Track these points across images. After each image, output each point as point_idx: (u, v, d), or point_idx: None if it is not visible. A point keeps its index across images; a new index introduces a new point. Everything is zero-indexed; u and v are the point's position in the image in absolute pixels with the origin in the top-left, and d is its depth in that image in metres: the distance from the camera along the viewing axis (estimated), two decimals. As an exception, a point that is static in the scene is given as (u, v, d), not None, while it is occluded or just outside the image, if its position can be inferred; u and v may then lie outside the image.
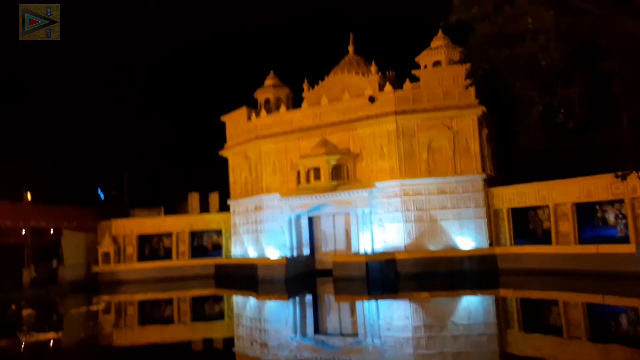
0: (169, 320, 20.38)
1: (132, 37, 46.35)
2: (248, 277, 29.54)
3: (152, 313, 22.91)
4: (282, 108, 32.18)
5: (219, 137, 36.05)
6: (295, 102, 34.25)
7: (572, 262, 22.88)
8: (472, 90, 25.49)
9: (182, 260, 34.31)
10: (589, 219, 24.73)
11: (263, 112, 32.79)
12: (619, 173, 19.78)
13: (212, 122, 36.40)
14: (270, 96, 34.13)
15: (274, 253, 29.88)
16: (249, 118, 33.47)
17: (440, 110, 27.49)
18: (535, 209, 26.82)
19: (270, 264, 28.67)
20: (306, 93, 33.06)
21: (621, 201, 22.89)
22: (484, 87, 27.32)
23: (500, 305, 19.68)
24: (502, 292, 22.17)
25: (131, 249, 34.98)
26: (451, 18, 16.68)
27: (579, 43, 16.61)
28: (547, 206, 25.43)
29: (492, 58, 16.48)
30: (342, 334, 15.69)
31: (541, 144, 35.05)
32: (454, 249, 26.23)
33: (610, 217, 24.34)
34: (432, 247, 26.54)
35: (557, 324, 16.42)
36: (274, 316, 19.74)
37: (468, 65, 18.43)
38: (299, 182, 30.18)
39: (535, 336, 14.60)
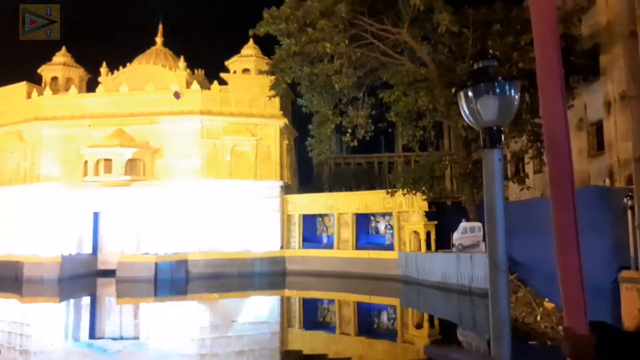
0: None
1: None
2: (11, 278, 25.35)
3: None
4: (73, 90, 28.81)
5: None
6: (90, 87, 31.01)
7: (349, 265, 25.70)
8: (276, 101, 26.80)
9: None
10: (365, 227, 28.25)
11: (48, 91, 28.85)
12: (389, 190, 23.26)
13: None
14: (60, 75, 30.26)
15: (48, 250, 26.27)
16: (30, 96, 29.04)
17: (246, 117, 28.16)
18: (322, 216, 29.41)
19: (40, 262, 25.14)
20: (104, 77, 30.25)
21: (390, 214, 26.70)
22: (287, 100, 29.11)
23: (285, 305, 20.96)
24: (288, 292, 23.63)
25: None
26: (259, 29, 17.53)
27: (368, 73, 19.12)
28: (333, 214, 28.12)
29: (294, 74, 17.85)
30: (121, 338, 14.68)
31: (333, 158, 38.87)
32: (248, 250, 26.98)
33: (382, 227, 28.27)
34: (227, 248, 26.81)
35: (332, 321, 18.26)
36: (40, 320, 17.34)
37: (273, 77, 19.40)
38: (86, 174, 27.31)
39: (312, 333, 15.95)
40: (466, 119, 1.79)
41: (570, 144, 1.61)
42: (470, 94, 1.72)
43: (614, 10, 15.10)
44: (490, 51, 1.74)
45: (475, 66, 1.75)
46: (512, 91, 1.72)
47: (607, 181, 15.91)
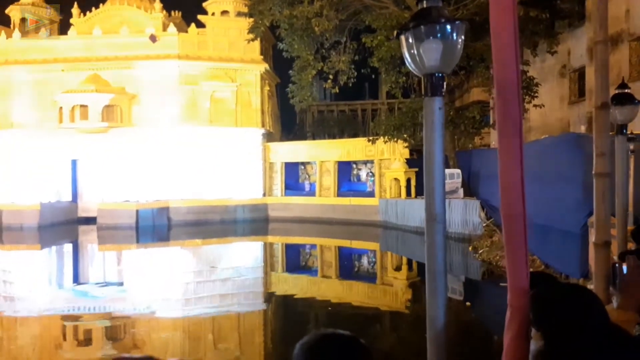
0: None
1: None
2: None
3: None
4: (44, 32, 27.50)
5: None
6: (63, 30, 29.60)
7: (331, 211, 26.02)
8: (257, 45, 25.98)
9: None
10: (347, 175, 28.43)
11: (17, 33, 27.52)
12: (370, 138, 23.17)
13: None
14: (30, 16, 28.72)
15: (26, 197, 26.05)
16: (-3, 38, 27.73)
17: (226, 62, 27.38)
18: (305, 164, 29.42)
19: (19, 210, 24.97)
20: (76, 19, 28.83)
21: (372, 162, 26.81)
22: (267, 44, 28.24)
23: (268, 251, 21.33)
24: (270, 238, 23.98)
25: None
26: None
27: (350, 16, 18.49)
28: (315, 162, 28.13)
29: (273, 16, 17.19)
30: (105, 284, 14.87)
31: (316, 105, 38.37)
32: (230, 197, 27.06)
33: (363, 174, 28.47)
34: (209, 195, 26.84)
35: (314, 265, 18.70)
36: (22, 267, 17.42)
37: (252, 19, 18.67)
38: (62, 120, 26.65)
39: (294, 277, 16.35)
40: (408, 66, 1.69)
41: (520, 94, 1.56)
42: (411, 38, 1.61)
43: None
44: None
45: (419, 6, 1.64)
46: (456, 35, 1.61)
47: (583, 128, 16.05)
